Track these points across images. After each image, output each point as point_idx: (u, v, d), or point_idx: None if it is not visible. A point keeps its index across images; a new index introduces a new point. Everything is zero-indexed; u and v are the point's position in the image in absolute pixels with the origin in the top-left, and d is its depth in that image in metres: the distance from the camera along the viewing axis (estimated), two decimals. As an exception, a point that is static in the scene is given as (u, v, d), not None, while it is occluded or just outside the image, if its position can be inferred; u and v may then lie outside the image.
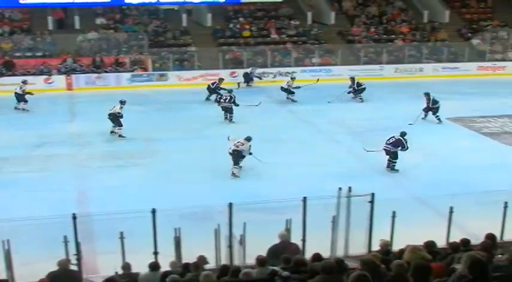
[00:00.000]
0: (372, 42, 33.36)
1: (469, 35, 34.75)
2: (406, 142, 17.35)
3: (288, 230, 10.57)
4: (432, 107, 22.89)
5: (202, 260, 8.80)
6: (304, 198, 10.59)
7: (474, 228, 11.24)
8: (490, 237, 9.61)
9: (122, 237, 10.10)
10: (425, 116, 22.98)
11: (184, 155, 18.57)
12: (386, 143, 17.48)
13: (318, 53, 32.23)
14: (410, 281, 4.93)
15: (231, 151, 16.75)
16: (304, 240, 10.57)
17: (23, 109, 24.56)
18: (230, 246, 10.53)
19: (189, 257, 9.12)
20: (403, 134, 17.52)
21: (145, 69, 30.06)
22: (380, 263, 6.27)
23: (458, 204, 11.70)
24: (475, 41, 34.30)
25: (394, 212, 11.33)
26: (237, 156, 16.71)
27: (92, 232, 11.95)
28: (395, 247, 9.76)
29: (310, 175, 16.47)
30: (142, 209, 9.77)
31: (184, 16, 33.27)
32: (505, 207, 11.93)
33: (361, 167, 17.58)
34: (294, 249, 9.60)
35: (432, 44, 33.69)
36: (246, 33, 33.06)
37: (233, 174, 16.62)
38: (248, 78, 29.62)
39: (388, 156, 17.38)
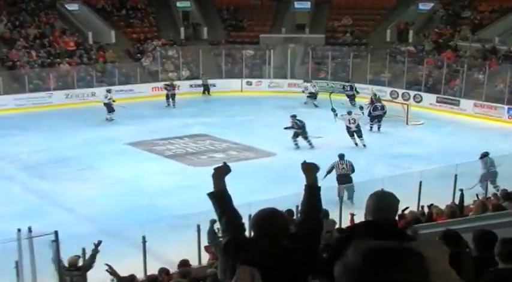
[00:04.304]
0: (36, 67, 32.51)
1: (138, 55, 36.02)
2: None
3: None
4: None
5: None
6: (-21, 245, 9.90)
7: (171, 256, 11.69)
8: (184, 264, 10.17)
9: None
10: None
11: None
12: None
13: (-25, 82, 30.45)
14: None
15: None
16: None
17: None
18: None
19: None
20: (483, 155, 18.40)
21: None
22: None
23: (151, 232, 12.04)
24: (145, 61, 35.64)
25: (83, 249, 11.24)
26: None
27: None
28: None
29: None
30: None
31: None
32: (198, 231, 12.50)
33: (40, 203, 17.01)
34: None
35: (101, 66, 34.10)
36: None
37: None
38: None
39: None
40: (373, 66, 34.41)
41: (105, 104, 27.72)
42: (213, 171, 3.76)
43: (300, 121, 23.08)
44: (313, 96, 31.50)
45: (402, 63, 33.62)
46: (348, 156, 20.49)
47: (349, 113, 24.07)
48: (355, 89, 31.67)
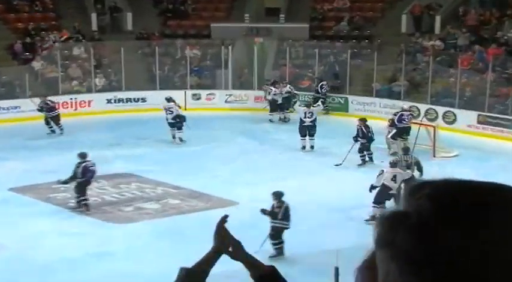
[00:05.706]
0: None
1: (27, 54, 35.74)
2: None
3: None
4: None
5: None
6: None
7: None
8: None
9: None
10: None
11: None
12: None
13: None
14: None
15: None
16: None
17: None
18: None
19: None
20: None
21: None
22: None
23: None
24: (37, 64, 35.45)
25: None
26: None
27: None
28: None
29: None
30: None
31: None
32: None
33: None
34: None
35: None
36: None
37: None
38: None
39: None
40: (381, 71, 34.65)
41: (178, 117, 28.84)
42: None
43: None
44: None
45: (426, 64, 33.62)
46: (346, 203, 20.21)
47: (308, 105, 29.12)
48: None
